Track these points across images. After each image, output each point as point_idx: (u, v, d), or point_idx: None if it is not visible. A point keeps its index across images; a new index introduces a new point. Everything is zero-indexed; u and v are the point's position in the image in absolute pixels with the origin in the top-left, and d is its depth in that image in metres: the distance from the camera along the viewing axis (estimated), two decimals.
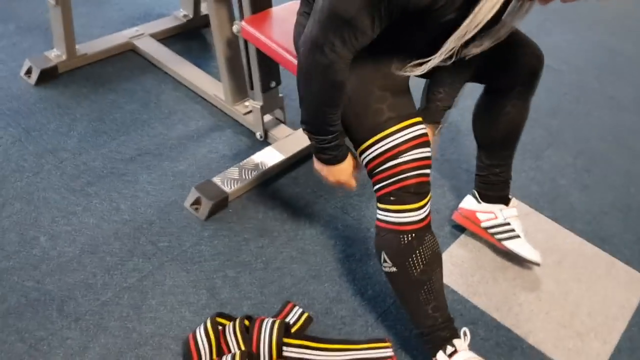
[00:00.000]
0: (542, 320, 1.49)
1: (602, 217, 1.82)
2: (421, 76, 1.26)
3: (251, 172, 1.75)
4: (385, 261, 1.24)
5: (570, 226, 1.77)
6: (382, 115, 1.18)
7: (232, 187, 1.69)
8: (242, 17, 1.69)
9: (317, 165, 1.31)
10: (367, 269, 1.57)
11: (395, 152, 1.16)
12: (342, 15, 1.01)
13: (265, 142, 1.93)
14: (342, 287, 1.52)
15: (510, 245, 1.58)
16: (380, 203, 1.22)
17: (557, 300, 1.55)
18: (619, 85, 2.53)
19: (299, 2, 1.75)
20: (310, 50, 1.08)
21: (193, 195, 1.65)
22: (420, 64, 1.13)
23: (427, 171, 1.19)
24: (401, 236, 1.19)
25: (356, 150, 1.25)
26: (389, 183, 1.18)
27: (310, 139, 1.24)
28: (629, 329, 1.49)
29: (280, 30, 1.57)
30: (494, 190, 1.59)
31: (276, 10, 1.68)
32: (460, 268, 1.60)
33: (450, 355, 1.24)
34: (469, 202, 1.65)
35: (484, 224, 1.61)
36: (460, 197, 1.70)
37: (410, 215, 1.18)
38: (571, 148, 2.11)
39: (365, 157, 1.22)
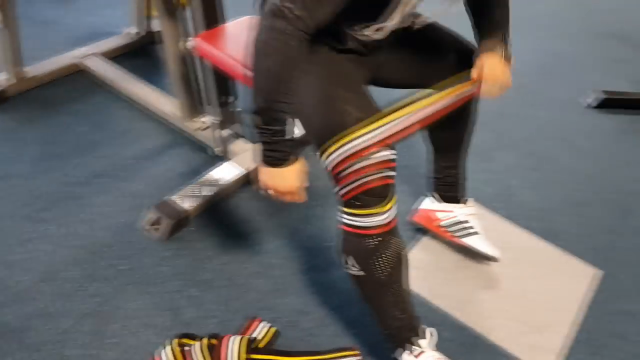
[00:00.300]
0: (503, 318, 1.54)
1: (552, 214, 1.89)
2: (376, 84, 1.28)
3: (210, 189, 1.74)
4: (352, 265, 1.24)
5: (523, 224, 1.83)
6: (348, 116, 1.17)
7: (192, 205, 1.68)
8: (195, 33, 1.69)
9: (264, 175, 1.23)
10: (332, 279, 1.58)
11: (360, 155, 1.15)
12: None
13: (223, 157, 1.93)
14: (308, 298, 1.53)
15: (469, 241, 1.63)
16: (345, 207, 1.21)
17: (516, 297, 1.60)
18: (560, 85, 2.63)
19: (253, 17, 1.77)
20: (269, 19, 1.05)
21: (152, 215, 1.64)
22: (380, 29, 1.14)
23: (392, 173, 1.19)
24: (368, 240, 1.20)
25: (319, 153, 1.22)
26: (354, 187, 1.17)
27: (260, 135, 1.15)
28: (585, 321, 1.55)
29: (234, 45, 1.58)
30: (452, 190, 1.64)
31: (229, 25, 1.69)
32: (422, 271, 1.64)
33: (416, 356, 1.27)
34: (428, 203, 1.70)
35: (443, 223, 1.66)
36: (419, 202, 1.73)
37: (376, 219, 1.19)
38: (520, 149, 2.18)
39: (329, 161, 1.19)
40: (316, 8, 1.05)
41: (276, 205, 1.77)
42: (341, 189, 1.20)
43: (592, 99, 2.50)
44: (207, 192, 1.73)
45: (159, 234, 1.63)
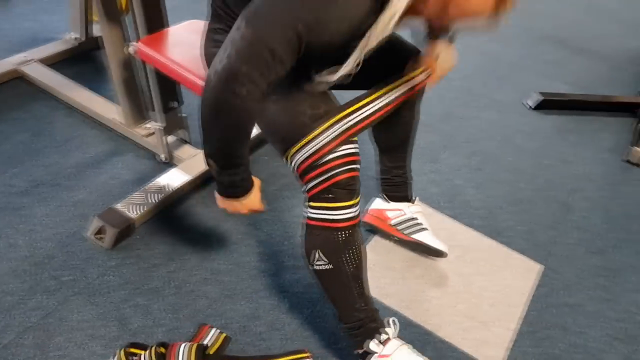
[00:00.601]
0: (450, 314, 1.57)
1: (496, 212, 1.95)
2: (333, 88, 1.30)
3: (157, 196, 1.71)
4: (319, 259, 1.25)
5: (468, 222, 1.88)
6: (304, 115, 1.20)
7: (138, 213, 1.65)
8: (137, 37, 1.66)
9: (223, 203, 1.26)
10: (282, 283, 1.58)
11: (325, 150, 1.18)
12: (266, 45, 0.98)
13: (170, 163, 1.90)
14: (258, 303, 1.52)
15: (419, 237, 1.67)
16: (313, 202, 1.23)
17: (462, 293, 1.64)
18: (502, 88, 2.71)
19: (196, 20, 1.76)
20: (224, 81, 1.02)
21: (96, 224, 1.60)
22: (334, 72, 1.15)
23: (357, 166, 1.22)
24: (338, 233, 1.22)
25: (284, 156, 1.24)
26: (321, 181, 1.20)
27: (216, 174, 1.19)
28: (528, 314, 1.60)
29: (178, 49, 1.56)
30: (400, 190, 1.68)
31: (172, 29, 1.67)
32: (372, 271, 1.65)
33: (384, 344, 1.30)
34: (378, 203, 1.73)
35: (392, 221, 1.69)
36: (370, 203, 1.75)
37: (345, 212, 1.22)
38: (464, 149, 2.24)
39: (295, 161, 1.22)
40: (271, 73, 1.02)
41: (224, 211, 1.76)
42: (308, 183, 1.22)
43: (531, 100, 2.59)
44: (153, 199, 1.70)
45: (104, 243, 1.59)
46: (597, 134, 2.46)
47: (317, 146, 1.19)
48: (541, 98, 2.55)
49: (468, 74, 2.77)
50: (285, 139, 1.22)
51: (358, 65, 1.13)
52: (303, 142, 1.19)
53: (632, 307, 1.67)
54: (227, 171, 1.17)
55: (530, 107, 2.57)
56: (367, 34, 1.06)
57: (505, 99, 2.62)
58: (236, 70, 1.00)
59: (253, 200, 1.26)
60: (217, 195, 1.26)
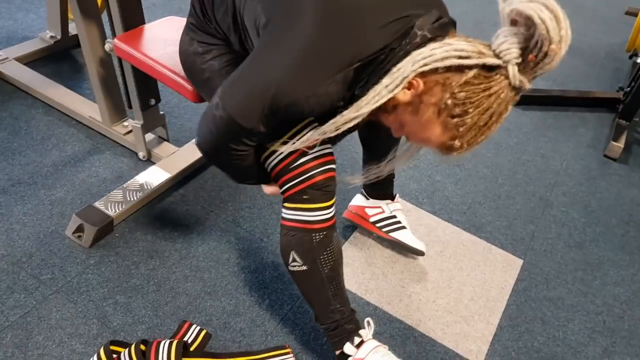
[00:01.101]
0: (430, 309, 1.58)
1: (475, 207, 1.96)
2: None
3: (136, 194, 1.70)
4: (294, 260, 1.25)
5: (448, 218, 1.89)
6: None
7: (117, 210, 1.63)
8: (114, 35, 1.65)
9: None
10: (262, 279, 1.58)
11: (299, 152, 1.17)
12: (242, 125, 1.05)
13: (149, 161, 1.89)
14: (239, 299, 1.52)
15: (397, 235, 1.67)
16: (289, 202, 1.22)
17: (442, 288, 1.65)
18: None
19: (173, 17, 1.75)
20: (211, 151, 1.15)
21: (74, 222, 1.58)
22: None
23: (333, 166, 1.21)
24: (313, 234, 1.21)
25: (261, 159, 1.25)
26: (298, 182, 1.19)
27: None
28: (508, 308, 1.62)
29: (155, 46, 1.55)
30: (380, 187, 1.68)
31: (149, 26, 1.66)
32: (352, 267, 1.66)
33: (357, 346, 1.29)
34: (358, 200, 1.73)
35: (372, 219, 1.69)
36: (349, 199, 1.76)
37: (320, 214, 1.21)
38: None
39: (270, 163, 1.21)
40: (251, 140, 1.12)
41: (203, 208, 1.76)
42: (284, 185, 1.21)
43: None
44: (132, 197, 1.69)
45: (83, 241, 1.58)
46: (575, 130, 2.49)
47: (290, 149, 1.17)
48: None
49: None
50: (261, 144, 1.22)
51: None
52: (276, 144, 1.18)
53: (610, 300, 1.69)
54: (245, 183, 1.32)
55: None
56: (331, 121, 1.07)
57: None
58: (217, 145, 1.12)
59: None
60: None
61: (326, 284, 1.27)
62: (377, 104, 1.03)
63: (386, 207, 1.69)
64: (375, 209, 1.70)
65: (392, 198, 1.70)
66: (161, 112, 1.88)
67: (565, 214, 1.99)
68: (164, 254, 1.60)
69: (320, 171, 1.19)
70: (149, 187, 1.73)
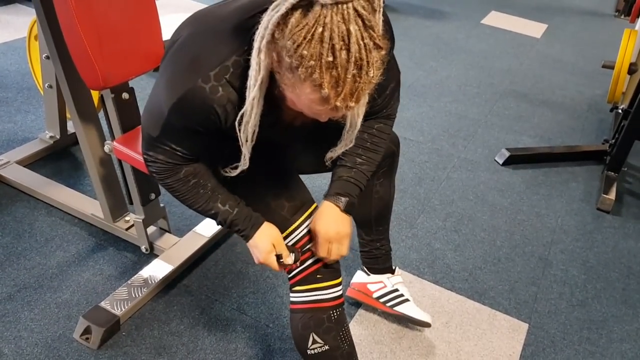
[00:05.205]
0: None
1: (477, 273, 1.99)
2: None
3: (141, 289, 1.72)
4: (314, 342, 1.27)
5: (450, 286, 1.91)
6: (283, 209, 1.26)
7: (123, 309, 1.65)
8: (112, 137, 1.71)
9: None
10: None
11: (306, 239, 1.26)
12: (147, 132, 1.14)
13: (151, 254, 1.92)
14: None
15: (401, 309, 1.68)
16: (300, 285, 1.27)
17: None
18: (470, 147, 2.80)
19: None
20: (146, 163, 1.20)
21: (82, 325, 1.60)
22: (235, 167, 1.16)
23: None
24: (331, 312, 1.26)
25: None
26: (307, 265, 1.26)
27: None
28: None
29: None
30: (379, 262, 1.71)
31: None
32: (359, 347, 1.66)
33: None
34: (359, 277, 1.76)
35: (375, 294, 1.71)
36: (351, 276, 1.78)
37: (333, 291, 1.27)
38: (440, 212, 2.30)
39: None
40: (188, 153, 1.16)
41: (208, 297, 1.78)
42: (296, 269, 1.27)
43: (499, 157, 2.68)
44: (137, 293, 1.71)
45: (91, 343, 1.59)
46: (567, 185, 2.54)
47: (299, 235, 1.25)
48: (508, 154, 2.64)
49: (436, 135, 2.86)
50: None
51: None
52: (285, 232, 1.26)
53: (618, 358, 1.69)
54: (215, 220, 1.26)
55: (499, 163, 2.66)
56: (242, 128, 1.06)
57: (474, 158, 2.71)
58: (144, 153, 1.18)
59: (260, 242, 1.23)
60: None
61: None
62: (257, 88, 0.99)
63: (387, 282, 1.71)
64: (377, 284, 1.72)
65: (392, 271, 1.73)
66: (162, 205, 1.93)
67: (565, 273, 2.01)
68: (171, 349, 1.61)
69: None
70: (153, 282, 1.75)
